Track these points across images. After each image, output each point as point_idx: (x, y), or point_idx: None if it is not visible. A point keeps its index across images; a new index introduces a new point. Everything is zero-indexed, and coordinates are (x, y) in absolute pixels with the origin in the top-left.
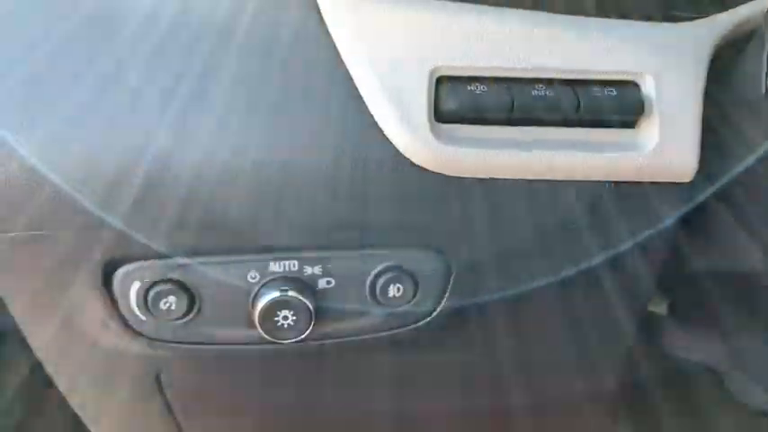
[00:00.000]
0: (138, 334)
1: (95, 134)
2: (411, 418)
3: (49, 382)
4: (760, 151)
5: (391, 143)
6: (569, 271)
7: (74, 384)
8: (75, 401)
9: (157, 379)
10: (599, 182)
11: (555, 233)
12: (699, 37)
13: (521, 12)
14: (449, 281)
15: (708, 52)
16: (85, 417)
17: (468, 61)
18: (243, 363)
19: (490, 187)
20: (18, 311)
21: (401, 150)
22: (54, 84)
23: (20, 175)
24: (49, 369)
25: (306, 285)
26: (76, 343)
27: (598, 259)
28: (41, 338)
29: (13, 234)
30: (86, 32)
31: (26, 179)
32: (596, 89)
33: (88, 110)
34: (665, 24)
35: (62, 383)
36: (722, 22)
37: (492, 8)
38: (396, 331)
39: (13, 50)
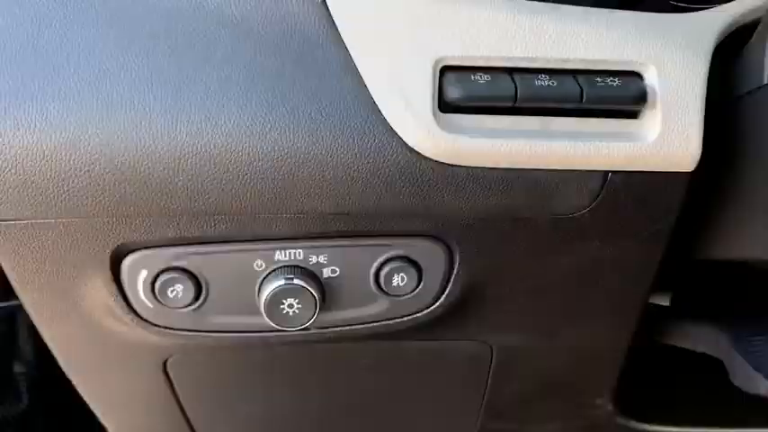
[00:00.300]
0: (146, 321)
1: (105, 125)
2: (413, 405)
3: (57, 368)
4: (761, 139)
5: (396, 133)
6: (572, 261)
7: (81, 370)
8: (82, 387)
9: (164, 365)
10: (602, 171)
11: (559, 223)
12: (702, 27)
13: (524, 2)
14: (453, 270)
15: (711, 43)
16: (93, 402)
17: (472, 51)
18: (248, 350)
19: (494, 177)
20: (27, 298)
21: (405, 140)
22: (63, 73)
23: (30, 165)
24: (57, 355)
25: (311, 274)
26: (84, 329)
27: (601, 250)
28: (50, 325)
29: (23, 222)
30: (104, 29)
31: (36, 169)
32: (599, 79)
33: (97, 102)
34: (669, 15)
35: (70, 369)
36: (726, 13)
37: None
38: (400, 320)
39: (37, 44)
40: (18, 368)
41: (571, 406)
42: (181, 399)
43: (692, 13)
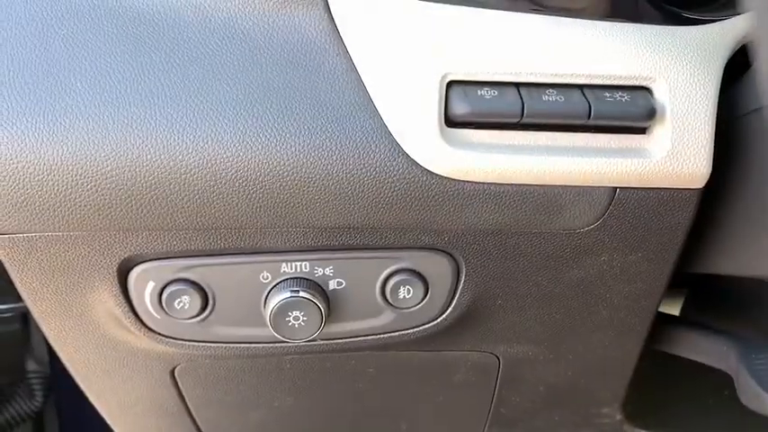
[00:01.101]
0: (153, 332)
1: (110, 140)
2: (420, 414)
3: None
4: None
5: (401, 147)
6: (580, 275)
7: (90, 377)
8: (91, 393)
9: (172, 373)
10: (610, 187)
11: (566, 237)
12: (713, 41)
13: (531, 16)
14: (459, 283)
15: (723, 57)
16: (103, 410)
17: (479, 66)
18: (255, 359)
19: (500, 192)
20: (35, 308)
21: (411, 155)
22: (72, 87)
23: (37, 179)
24: (66, 361)
25: (317, 286)
26: (92, 338)
27: (609, 264)
28: (58, 333)
29: (30, 235)
30: (111, 43)
31: (42, 182)
32: (608, 94)
33: (104, 117)
34: (679, 28)
35: (79, 375)
36: (737, 27)
37: (502, 12)
38: (406, 332)
39: (44, 59)
40: (32, 367)
41: (579, 415)
42: (190, 406)
43: (702, 26)
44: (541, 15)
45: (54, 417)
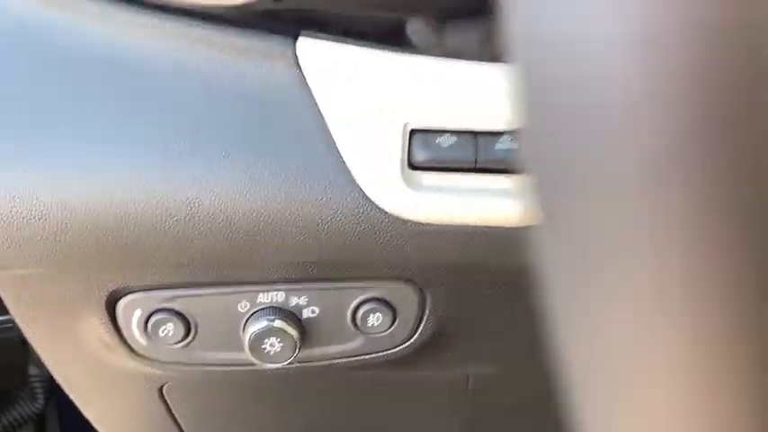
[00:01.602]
0: (141, 356)
1: (94, 186)
2: (397, 427)
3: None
4: None
5: (365, 192)
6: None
7: (82, 393)
8: (83, 408)
9: (160, 391)
10: None
11: (519, 273)
12: None
13: (493, 66)
14: (425, 310)
15: None
16: (96, 423)
17: (438, 116)
18: (236, 382)
19: (463, 232)
20: (29, 334)
21: (374, 200)
22: (58, 125)
23: (28, 222)
24: (58, 378)
25: (291, 315)
26: (82, 359)
27: None
28: (50, 353)
29: (22, 272)
30: (93, 90)
31: (34, 225)
32: None
33: (88, 163)
34: None
35: (71, 391)
36: None
37: (463, 62)
38: (375, 355)
39: (22, 96)
40: (33, 371)
41: (551, 423)
42: (178, 419)
43: None
44: (496, 64)
45: (55, 419)
